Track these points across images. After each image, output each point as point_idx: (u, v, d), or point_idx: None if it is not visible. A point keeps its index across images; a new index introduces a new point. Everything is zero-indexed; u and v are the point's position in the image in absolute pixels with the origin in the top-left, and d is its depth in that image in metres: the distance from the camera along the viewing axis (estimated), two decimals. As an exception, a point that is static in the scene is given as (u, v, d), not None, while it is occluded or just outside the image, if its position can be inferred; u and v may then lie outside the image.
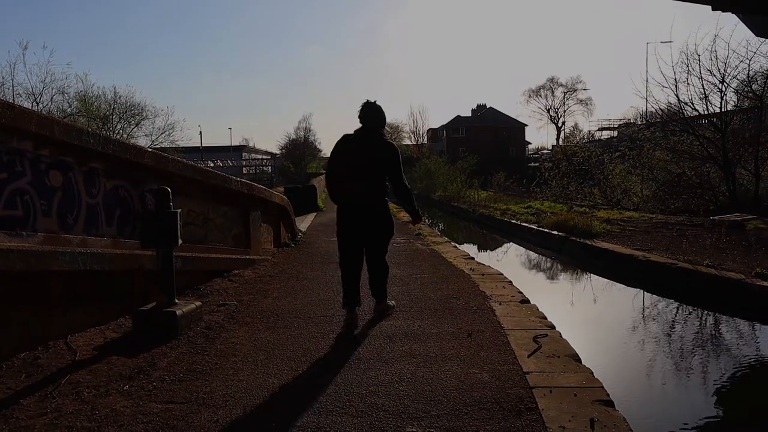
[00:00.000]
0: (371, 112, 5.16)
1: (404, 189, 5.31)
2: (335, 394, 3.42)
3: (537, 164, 37.31)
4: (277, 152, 68.27)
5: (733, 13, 10.99)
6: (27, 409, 3.23)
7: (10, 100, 6.89)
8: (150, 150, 5.65)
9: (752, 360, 6.22)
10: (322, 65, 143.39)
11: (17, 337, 4.05)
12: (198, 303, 5.12)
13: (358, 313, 5.09)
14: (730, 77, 16.68)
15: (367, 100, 5.19)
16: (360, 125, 5.18)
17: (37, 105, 26.27)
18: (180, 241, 4.77)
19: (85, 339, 4.45)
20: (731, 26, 31.10)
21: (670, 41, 18.76)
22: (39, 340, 4.20)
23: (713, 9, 10.51)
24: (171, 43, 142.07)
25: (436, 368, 3.81)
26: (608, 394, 3.35)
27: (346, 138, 5.21)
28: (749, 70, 16.74)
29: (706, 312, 8.01)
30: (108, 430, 2.98)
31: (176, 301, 4.81)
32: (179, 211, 4.78)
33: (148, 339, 4.44)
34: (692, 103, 17.47)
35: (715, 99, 17.07)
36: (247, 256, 7.66)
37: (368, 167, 5.03)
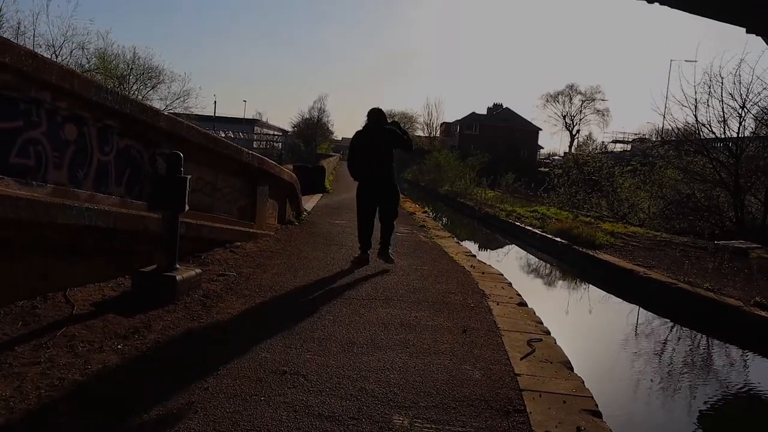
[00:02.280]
0: (375, 114, 7.15)
1: (407, 139, 7.30)
2: (326, 375, 3.43)
3: (547, 169, 37.13)
4: (289, 130, 68.21)
5: (762, 37, 10.88)
6: (21, 357, 3.25)
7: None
8: (165, 113, 5.64)
9: (740, 388, 6.23)
10: (342, 47, 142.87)
11: (18, 285, 4.06)
12: (198, 270, 5.13)
13: (370, 254, 7.09)
14: (751, 103, 16.53)
15: (372, 107, 7.18)
16: (366, 120, 7.17)
17: (57, 58, 26.23)
18: (187, 207, 4.78)
19: (84, 294, 4.47)
20: (758, 52, 30.67)
21: (695, 61, 18.54)
22: (38, 290, 4.22)
23: (747, 32, 10.41)
24: (195, 10, 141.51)
25: (428, 360, 3.82)
26: (597, 405, 3.36)
27: (359, 132, 7.24)
28: (771, 98, 16.57)
29: (700, 335, 8.01)
30: (98, 385, 3.00)
31: (177, 266, 4.82)
32: (189, 177, 4.79)
33: (146, 300, 4.45)
34: (710, 125, 17.33)
35: (733, 123, 16.93)
36: (251, 230, 7.67)
37: (379, 148, 7.01)
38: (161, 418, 2.73)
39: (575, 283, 11.68)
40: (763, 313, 7.22)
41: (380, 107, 7.21)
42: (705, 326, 7.87)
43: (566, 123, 72.54)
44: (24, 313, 3.88)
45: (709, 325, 7.78)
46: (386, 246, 7.17)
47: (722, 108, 16.75)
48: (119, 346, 3.56)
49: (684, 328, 8.22)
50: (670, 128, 21.53)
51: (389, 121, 7.42)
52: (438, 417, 3.00)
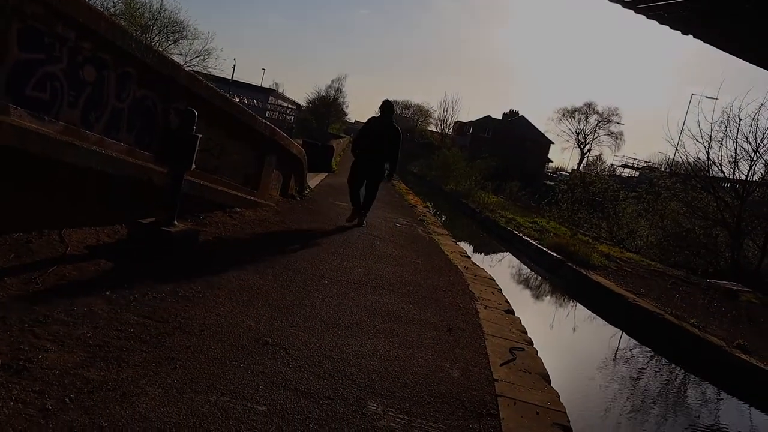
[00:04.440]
0: (387, 107, 8.81)
1: (395, 156, 8.83)
2: (308, 351, 3.45)
3: (553, 183, 37.10)
4: (304, 104, 67.98)
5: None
6: (8, 288, 3.26)
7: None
8: (185, 69, 5.62)
9: (709, 426, 6.27)
10: (369, 31, 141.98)
11: (15, 216, 4.06)
12: (195, 229, 5.14)
13: (356, 212, 8.85)
14: (764, 149, 16.53)
15: (386, 99, 8.85)
16: (380, 112, 8.77)
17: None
18: (193, 166, 4.78)
19: (79, 236, 4.48)
20: (780, 98, 30.60)
21: (716, 98, 18.44)
22: (35, 225, 4.22)
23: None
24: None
25: (410, 353, 3.84)
26: (569, 421, 3.38)
27: (373, 118, 8.89)
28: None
29: (679, 368, 8.05)
30: (82, 329, 3.01)
31: (175, 222, 4.83)
32: (200, 136, 4.78)
33: (140, 252, 4.46)
34: (720, 164, 17.35)
35: (743, 166, 16.96)
36: (253, 198, 7.66)
37: (381, 138, 8.63)
38: (140, 369, 2.75)
39: (564, 299, 11.71)
40: (743, 356, 7.25)
41: (391, 101, 8.88)
42: (685, 361, 7.91)
43: (579, 140, 72.37)
44: (18, 246, 3.89)
45: (689, 360, 7.82)
46: (368, 209, 9.11)
47: (735, 149, 16.78)
48: (107, 293, 3.57)
49: (664, 360, 8.25)
50: (680, 161, 21.54)
51: (395, 124, 8.84)
52: (412, 409, 3.02)
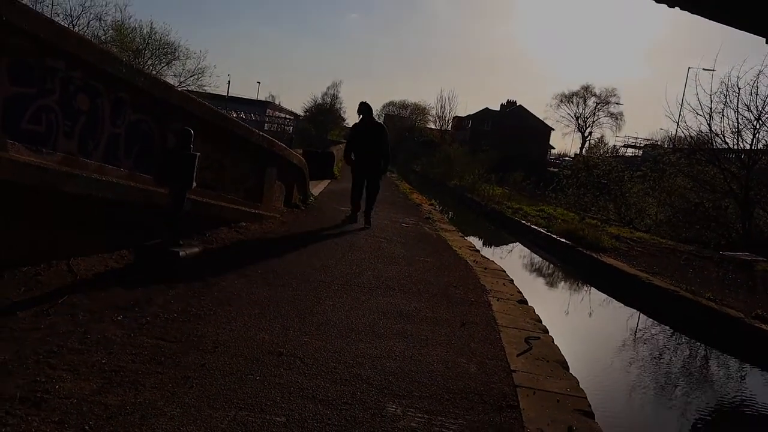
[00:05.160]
0: (365, 108, 9.27)
1: (386, 153, 9.37)
2: (322, 358, 3.45)
3: (557, 169, 36.98)
4: (301, 114, 68.11)
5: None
6: (21, 322, 3.28)
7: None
8: (179, 90, 5.65)
9: (734, 398, 6.23)
10: (361, 35, 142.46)
11: (22, 250, 4.09)
12: (201, 247, 5.16)
13: (358, 216, 9.33)
14: (766, 116, 16.41)
15: (361, 101, 9.27)
16: (359, 114, 9.25)
17: (74, 27, 26.23)
18: (194, 184, 4.79)
19: (87, 264, 4.50)
20: (778, 64, 30.37)
21: (713, 70, 18.32)
22: (42, 257, 4.25)
23: (767, 42, 10.28)
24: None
25: (425, 351, 3.83)
26: (590, 406, 3.36)
27: (357, 123, 9.48)
28: (787, 113, 16.43)
29: (699, 344, 8.00)
30: (96, 355, 3.02)
31: (181, 242, 4.84)
32: (198, 154, 4.80)
33: (148, 274, 4.48)
34: (723, 136, 17.21)
35: (747, 135, 16.80)
36: (257, 211, 7.68)
37: (369, 137, 9.17)
38: (157, 391, 2.75)
39: (576, 284, 11.67)
40: (763, 326, 7.20)
41: (367, 101, 9.36)
42: (705, 336, 7.86)
43: (579, 124, 72.24)
44: (27, 279, 3.91)
45: (708, 334, 7.77)
46: (369, 212, 9.36)
47: (737, 119, 16.65)
48: (119, 318, 3.58)
49: (683, 336, 8.21)
50: (682, 136, 21.39)
51: (382, 122, 9.76)
52: (431, 407, 3.01)
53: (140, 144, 5.06)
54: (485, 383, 3.44)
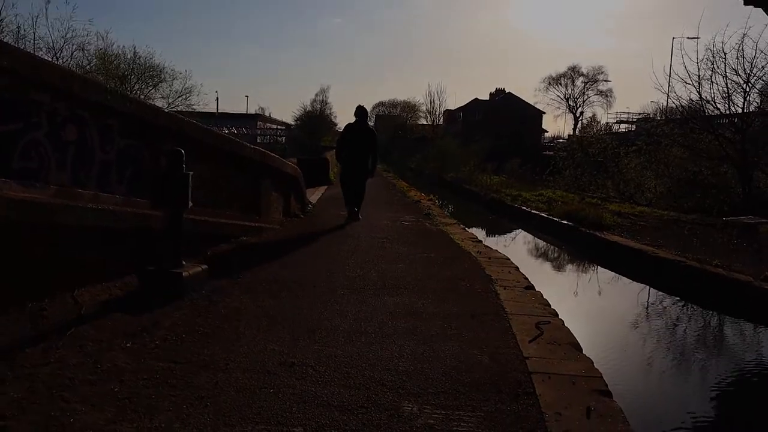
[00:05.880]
0: (362, 112, 10.01)
1: (375, 156, 10.06)
2: (335, 365, 3.44)
3: (552, 153, 36.92)
4: (292, 123, 68.06)
5: (762, 8, 10.73)
6: (31, 358, 3.27)
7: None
8: (165, 111, 5.64)
9: (753, 362, 6.21)
10: (343, 38, 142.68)
11: (25, 286, 4.08)
12: (204, 266, 5.15)
13: (353, 211, 10.07)
14: (755, 78, 16.38)
15: (359, 105, 10.01)
16: (356, 117, 9.93)
17: (58, 60, 26.20)
18: (190, 204, 4.78)
19: (91, 294, 4.49)
20: (761, 26, 30.37)
21: (697, 38, 18.30)
22: (46, 291, 4.23)
23: (745, 4, 10.28)
24: (194, 5, 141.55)
25: (436, 347, 3.82)
26: (606, 385, 3.35)
27: (350, 125, 10.07)
28: (776, 72, 16.40)
29: (710, 312, 7.98)
30: (109, 384, 3.02)
31: (183, 263, 4.84)
32: (191, 173, 4.79)
33: (154, 298, 4.47)
34: (714, 102, 17.19)
35: (738, 99, 16.79)
36: (256, 224, 7.67)
37: (360, 141, 9.78)
38: (172, 413, 2.75)
39: (582, 265, 11.65)
40: (773, 288, 7.18)
41: (364, 106, 10.15)
42: (716, 303, 7.84)
43: (569, 105, 72.21)
44: (32, 315, 3.90)
45: (719, 301, 7.75)
46: (359, 206, 10.25)
47: (726, 84, 16.64)
48: (128, 345, 3.58)
49: (694, 306, 8.19)
50: (674, 106, 21.36)
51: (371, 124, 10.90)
52: (447, 402, 3.00)
53: (133, 169, 5.05)
54: (499, 373, 3.43)
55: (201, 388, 3.03)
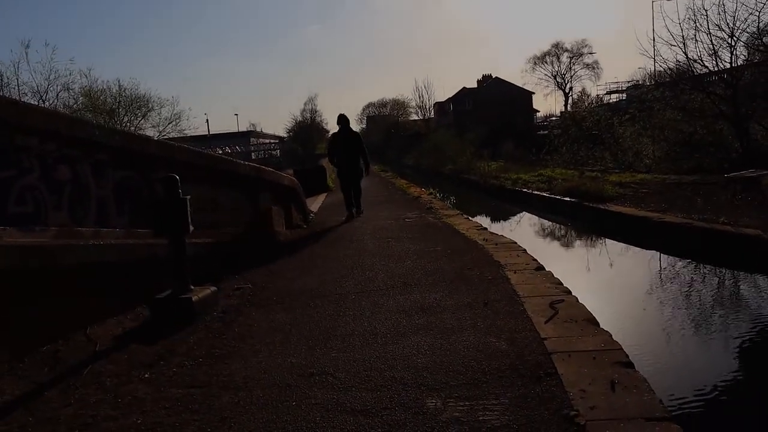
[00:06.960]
0: (343, 119, 10.73)
1: (365, 156, 10.82)
2: (354, 370, 3.43)
3: (546, 132, 36.85)
4: (285, 135, 68.07)
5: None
6: (51, 401, 3.27)
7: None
8: (155, 139, 5.64)
9: (772, 315, 6.17)
10: (323, 45, 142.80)
11: (36, 330, 4.08)
12: (213, 288, 5.14)
13: (353, 212, 10.91)
14: (739, 31, 16.30)
15: (340, 113, 10.88)
16: (338, 126, 10.73)
17: (44, 102, 26.25)
18: (191, 228, 4.77)
19: (104, 329, 4.49)
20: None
21: (676, -2, 18.34)
22: (59, 333, 4.24)
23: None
24: (171, 32, 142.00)
25: (453, 339, 3.80)
26: (627, 356, 3.33)
27: (335, 133, 11.21)
28: (759, 23, 16.33)
29: (723, 270, 7.94)
30: (131, 417, 3.01)
31: (192, 287, 4.83)
32: (188, 197, 4.78)
33: (166, 326, 4.46)
34: (701, 60, 17.12)
35: (725, 54, 16.72)
36: (258, 238, 7.66)
37: (348, 146, 10.56)
38: (197, 439, 2.74)
39: (590, 239, 11.62)
40: (783, 238, 7.15)
41: (344, 114, 10.94)
42: (728, 261, 7.81)
43: (558, 82, 71.85)
44: (48, 358, 3.90)
45: (731, 259, 7.71)
46: (359, 206, 11.10)
47: (711, 41, 16.57)
48: (146, 375, 3.57)
49: (706, 267, 8.15)
50: (662, 70, 21.33)
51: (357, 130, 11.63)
52: (470, 394, 2.99)
53: (130, 200, 5.05)
54: (519, 357, 3.41)
55: (223, 410, 3.02)
